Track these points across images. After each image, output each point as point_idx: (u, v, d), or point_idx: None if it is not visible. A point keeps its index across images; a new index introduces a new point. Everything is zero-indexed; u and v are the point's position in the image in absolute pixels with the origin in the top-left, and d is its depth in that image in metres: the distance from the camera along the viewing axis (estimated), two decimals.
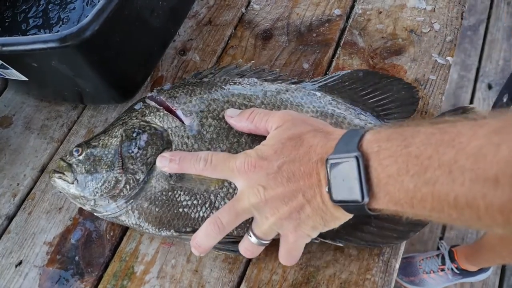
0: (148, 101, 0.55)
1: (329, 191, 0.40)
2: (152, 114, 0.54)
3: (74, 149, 0.53)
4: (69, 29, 0.48)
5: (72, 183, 0.52)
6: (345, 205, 0.39)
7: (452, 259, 1.34)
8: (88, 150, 0.52)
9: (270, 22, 0.69)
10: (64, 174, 0.52)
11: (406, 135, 0.36)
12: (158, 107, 0.54)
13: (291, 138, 0.44)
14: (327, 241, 0.50)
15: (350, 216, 0.43)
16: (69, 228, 0.57)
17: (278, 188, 0.42)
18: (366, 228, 0.50)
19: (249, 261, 0.52)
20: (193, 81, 0.57)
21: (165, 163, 0.49)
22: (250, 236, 0.46)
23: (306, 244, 0.49)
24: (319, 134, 0.43)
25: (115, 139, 0.52)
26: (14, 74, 0.56)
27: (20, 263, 0.55)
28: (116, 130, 0.53)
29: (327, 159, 0.40)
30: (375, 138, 0.38)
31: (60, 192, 0.58)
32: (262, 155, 0.44)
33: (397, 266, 0.50)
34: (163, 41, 0.68)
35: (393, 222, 0.50)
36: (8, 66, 0.54)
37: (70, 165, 0.53)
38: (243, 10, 0.71)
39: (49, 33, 0.63)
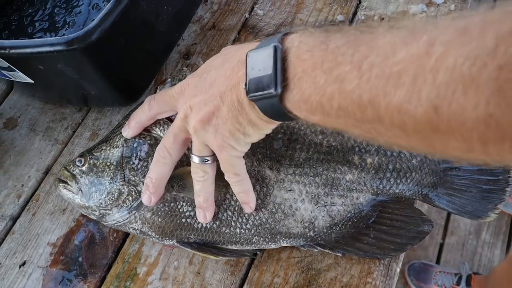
0: None
1: (246, 87, 0.38)
2: (152, 123, 0.54)
3: (77, 159, 0.53)
4: (76, 32, 0.49)
5: (77, 194, 0.53)
6: (258, 98, 0.37)
7: (468, 284, 1.33)
8: (91, 161, 0.53)
9: (273, 27, 0.70)
10: (68, 184, 0.53)
11: (329, 33, 0.35)
12: None
13: (222, 54, 0.45)
14: (326, 250, 0.50)
15: (269, 124, 0.42)
16: (72, 229, 0.57)
17: (201, 95, 0.43)
18: (364, 239, 0.50)
19: (251, 264, 0.53)
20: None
21: (126, 128, 0.52)
22: (191, 157, 0.47)
23: (308, 249, 0.49)
24: (248, 45, 0.42)
25: (116, 149, 0.53)
26: (20, 76, 0.57)
27: (24, 263, 0.55)
28: (117, 140, 0.53)
29: (247, 53, 0.39)
30: (299, 35, 0.37)
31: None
32: (194, 73, 0.46)
33: (398, 270, 0.51)
34: (168, 45, 0.69)
35: (392, 235, 0.50)
36: (15, 69, 0.55)
37: (74, 175, 0.53)
38: (247, 15, 0.72)
39: (55, 36, 0.64)
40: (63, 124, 0.66)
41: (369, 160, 0.51)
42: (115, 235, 0.56)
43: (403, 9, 0.68)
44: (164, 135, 0.51)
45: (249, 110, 0.40)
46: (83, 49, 0.49)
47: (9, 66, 0.54)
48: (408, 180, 0.52)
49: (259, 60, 0.37)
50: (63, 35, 0.64)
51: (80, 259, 0.55)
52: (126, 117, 0.56)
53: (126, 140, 0.52)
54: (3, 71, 0.57)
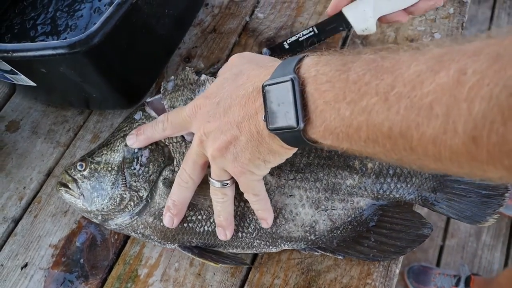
0: (148, 110, 0.55)
1: (265, 119, 0.38)
2: None
3: (78, 164, 0.54)
4: (78, 36, 0.49)
5: (79, 198, 0.53)
6: (281, 132, 0.37)
7: (467, 285, 1.33)
8: (92, 166, 0.53)
9: (274, 31, 0.70)
10: (70, 188, 0.53)
11: (346, 60, 0.34)
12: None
13: (233, 73, 0.44)
14: (327, 253, 0.51)
15: (290, 151, 0.41)
16: (74, 231, 0.58)
17: (215, 122, 0.42)
18: (365, 242, 0.51)
19: (251, 265, 0.53)
20: (192, 79, 0.54)
21: (134, 139, 0.51)
22: (210, 181, 0.47)
23: (309, 252, 0.50)
24: (260, 66, 0.42)
25: (117, 154, 0.53)
26: (22, 79, 0.57)
27: (26, 265, 0.56)
28: (117, 144, 0.53)
29: (263, 86, 0.38)
30: (314, 62, 0.36)
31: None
32: (206, 94, 0.45)
33: (397, 271, 0.51)
34: (169, 48, 0.69)
35: (392, 238, 0.50)
36: (17, 72, 0.55)
37: (75, 180, 0.53)
38: (247, 18, 0.73)
39: (57, 39, 0.64)
40: (65, 127, 0.66)
41: (369, 165, 0.52)
42: (116, 237, 0.56)
43: None
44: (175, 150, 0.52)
45: (270, 140, 0.40)
46: (85, 52, 0.49)
47: (11, 69, 0.55)
48: (409, 185, 0.52)
49: (277, 94, 0.36)
50: (65, 38, 0.64)
51: (81, 260, 0.55)
52: (126, 120, 0.56)
53: (126, 145, 0.53)
54: (5, 74, 0.57)
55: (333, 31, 0.56)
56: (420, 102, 0.28)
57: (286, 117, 0.36)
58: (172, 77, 0.54)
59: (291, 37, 0.60)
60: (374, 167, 0.52)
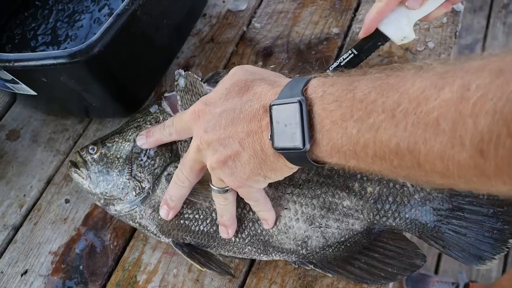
0: (163, 105, 0.56)
1: (271, 138, 0.38)
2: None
3: (90, 147, 0.56)
4: (78, 45, 0.50)
5: (86, 180, 0.55)
6: (286, 152, 0.38)
7: None
8: (103, 150, 0.55)
9: (271, 40, 0.72)
10: (79, 169, 0.55)
11: (353, 79, 0.35)
12: (172, 114, 0.55)
13: (236, 84, 0.43)
14: (317, 269, 0.51)
15: (293, 168, 0.42)
16: (73, 238, 0.58)
17: (216, 133, 0.42)
18: (356, 264, 0.50)
19: (249, 271, 0.54)
20: (200, 88, 0.54)
21: (143, 139, 0.53)
22: (211, 187, 0.48)
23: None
24: (266, 83, 0.42)
25: (128, 143, 0.55)
26: (23, 88, 0.58)
27: (26, 272, 0.56)
28: (130, 134, 0.55)
29: (270, 105, 0.38)
30: (321, 83, 0.37)
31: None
32: (207, 101, 0.45)
33: None
34: (167, 58, 0.70)
35: (383, 263, 0.50)
36: (18, 81, 0.56)
37: (85, 161, 0.55)
38: (245, 28, 0.74)
39: (58, 49, 0.65)
40: (65, 135, 0.67)
41: (369, 189, 0.51)
42: (115, 244, 0.57)
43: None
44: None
45: (274, 159, 0.40)
46: (85, 61, 0.50)
47: (13, 78, 0.56)
48: (407, 215, 0.50)
49: (284, 114, 0.37)
50: (65, 48, 0.65)
51: (81, 267, 0.56)
52: (142, 112, 0.57)
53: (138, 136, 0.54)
54: (6, 84, 0.58)
55: (373, 48, 0.56)
56: (427, 118, 0.28)
57: (293, 138, 0.36)
58: (182, 72, 0.54)
59: (332, 64, 0.58)
60: (374, 192, 0.50)
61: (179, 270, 0.54)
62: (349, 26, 0.72)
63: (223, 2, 0.77)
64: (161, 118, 0.55)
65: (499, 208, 0.49)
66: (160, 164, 0.53)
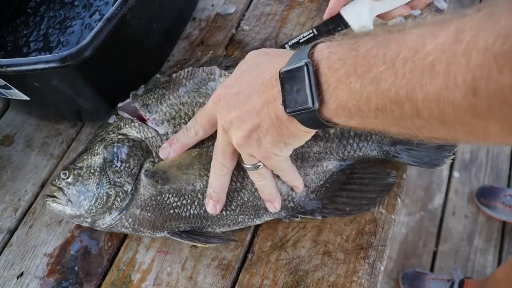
0: (120, 112, 0.58)
1: (283, 103, 0.40)
2: (127, 126, 0.57)
3: (62, 173, 0.56)
4: (69, 50, 0.51)
5: (67, 205, 0.55)
6: (298, 114, 0.40)
7: None
8: (75, 172, 0.55)
9: (259, 42, 0.73)
10: (57, 197, 0.55)
11: (356, 39, 0.36)
12: (132, 118, 0.57)
13: (250, 65, 0.47)
14: (307, 216, 0.55)
15: (308, 132, 0.44)
16: (68, 240, 0.59)
17: (236, 112, 0.45)
18: (339, 200, 0.55)
19: (241, 267, 0.55)
20: (163, 80, 0.60)
21: (168, 151, 0.54)
22: (244, 166, 0.50)
23: (295, 248, 0.52)
24: (276, 57, 0.45)
25: (97, 156, 0.55)
26: (16, 94, 0.59)
27: (22, 274, 0.57)
28: (96, 148, 0.56)
29: (280, 72, 0.40)
30: (327, 45, 0.38)
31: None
32: (225, 85, 0.48)
33: (382, 268, 0.53)
34: (158, 61, 0.72)
35: (362, 191, 0.55)
36: (11, 86, 0.57)
37: (61, 188, 0.55)
38: (234, 31, 0.75)
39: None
40: (58, 140, 0.68)
41: (331, 131, 0.56)
42: (109, 244, 0.58)
43: (382, 22, 0.72)
44: (144, 131, 0.56)
45: (289, 123, 0.42)
46: (76, 65, 0.51)
47: (5, 84, 0.57)
48: (370, 143, 0.57)
49: (293, 78, 0.39)
50: (57, 54, 0.66)
51: (76, 268, 0.57)
52: (101, 126, 0.59)
53: (105, 146, 0.56)
54: (0, 90, 0.59)
55: (333, 31, 0.59)
56: (423, 62, 0.29)
57: (302, 100, 0.38)
58: (142, 86, 0.59)
59: (292, 39, 0.62)
60: (336, 132, 0.56)
61: (173, 268, 0.55)
62: None
63: (212, 6, 0.79)
64: (122, 125, 0.57)
65: None
66: (136, 164, 0.55)
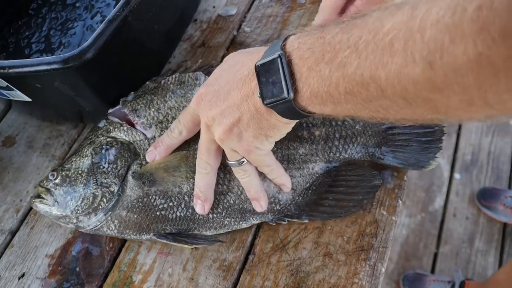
0: (110, 117, 0.59)
1: (261, 96, 0.41)
2: (116, 129, 0.58)
3: (50, 174, 0.56)
4: (71, 51, 0.51)
5: (53, 206, 0.55)
6: (275, 105, 0.41)
7: None
8: (63, 173, 0.56)
9: (260, 43, 0.73)
10: (44, 198, 0.56)
11: (323, 28, 0.37)
12: (121, 122, 0.58)
13: (229, 64, 0.49)
14: (294, 220, 0.55)
15: (288, 123, 0.44)
16: (69, 241, 0.59)
17: (218, 108, 0.46)
18: (326, 203, 0.55)
19: (242, 268, 0.55)
20: (152, 87, 0.61)
21: (154, 153, 0.54)
22: (228, 163, 0.51)
23: (296, 250, 0.52)
24: (252, 53, 0.46)
25: (86, 158, 0.56)
26: (18, 95, 0.60)
27: (23, 275, 0.57)
28: (85, 150, 0.57)
29: (255, 66, 0.41)
30: (297, 37, 0.40)
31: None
32: (206, 84, 0.49)
33: (383, 270, 0.53)
34: (159, 63, 0.72)
35: (348, 194, 0.55)
36: (13, 88, 0.57)
37: (48, 189, 0.56)
38: (235, 32, 0.75)
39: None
40: (60, 141, 0.68)
41: (317, 133, 0.56)
42: (111, 245, 0.58)
43: None
44: (133, 134, 0.57)
45: (268, 115, 0.43)
46: (78, 67, 0.52)
47: (7, 85, 0.57)
48: (355, 145, 0.57)
49: (268, 70, 0.40)
50: (59, 55, 0.67)
51: (77, 269, 0.57)
52: (91, 130, 0.60)
53: (94, 149, 0.56)
54: (1, 91, 0.60)
55: None
56: (383, 42, 0.30)
57: (278, 90, 0.39)
58: (132, 92, 0.60)
59: None
60: (321, 134, 0.56)
61: (174, 269, 0.55)
62: None
63: (213, 7, 0.79)
64: (112, 128, 0.58)
65: (429, 128, 0.57)
66: (123, 165, 0.55)
